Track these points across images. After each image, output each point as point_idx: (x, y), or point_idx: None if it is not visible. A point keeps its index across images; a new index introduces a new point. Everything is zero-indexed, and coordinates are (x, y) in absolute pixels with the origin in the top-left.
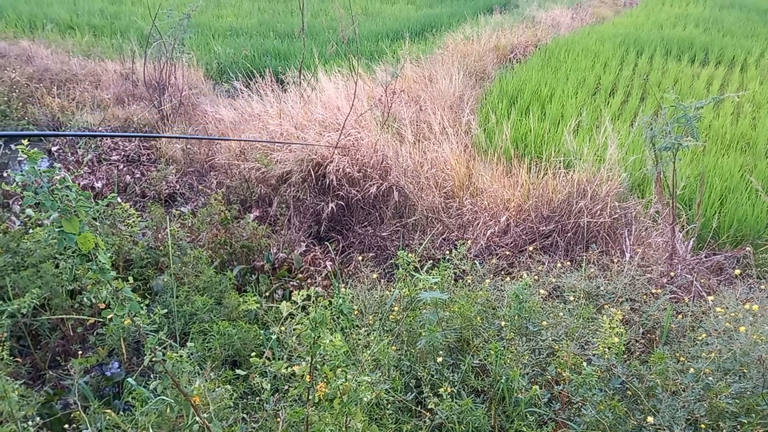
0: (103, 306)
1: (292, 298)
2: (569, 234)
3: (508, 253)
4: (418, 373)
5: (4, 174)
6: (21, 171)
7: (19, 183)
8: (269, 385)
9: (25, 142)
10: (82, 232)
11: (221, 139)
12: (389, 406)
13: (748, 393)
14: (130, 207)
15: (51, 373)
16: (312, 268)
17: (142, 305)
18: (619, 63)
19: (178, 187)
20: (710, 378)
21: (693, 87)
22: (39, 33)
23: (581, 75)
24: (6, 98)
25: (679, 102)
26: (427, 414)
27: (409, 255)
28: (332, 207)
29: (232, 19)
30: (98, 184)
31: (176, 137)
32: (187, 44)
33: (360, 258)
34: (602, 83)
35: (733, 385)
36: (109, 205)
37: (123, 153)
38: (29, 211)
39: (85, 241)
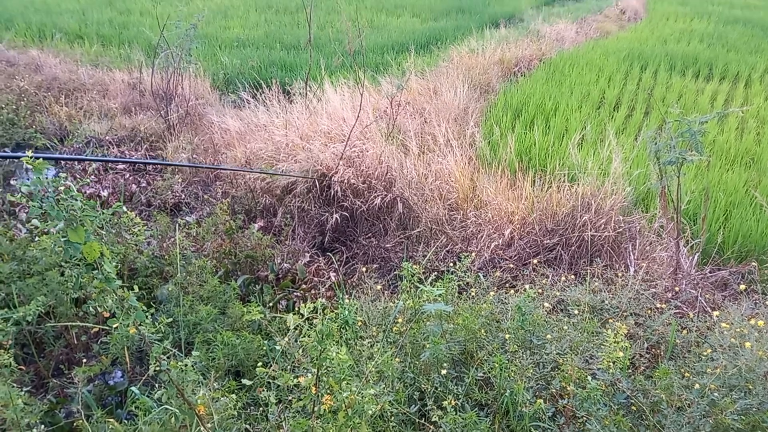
0: (107, 314)
1: (299, 310)
2: (573, 247)
3: (512, 266)
4: (422, 386)
5: (11, 182)
6: (27, 179)
7: (25, 193)
8: (274, 397)
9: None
10: (88, 241)
11: (216, 168)
12: (393, 418)
13: (754, 409)
14: (136, 216)
15: (54, 381)
16: (316, 278)
17: (147, 314)
18: (624, 77)
19: (183, 196)
20: (715, 394)
21: (697, 102)
22: (48, 42)
23: (585, 89)
24: (14, 107)
25: (684, 117)
26: (431, 427)
27: (413, 267)
28: (336, 218)
29: (238, 31)
30: (104, 193)
31: (174, 165)
32: (194, 55)
33: (364, 269)
34: (606, 97)
35: (738, 401)
36: (114, 214)
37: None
38: (35, 221)
39: (91, 250)
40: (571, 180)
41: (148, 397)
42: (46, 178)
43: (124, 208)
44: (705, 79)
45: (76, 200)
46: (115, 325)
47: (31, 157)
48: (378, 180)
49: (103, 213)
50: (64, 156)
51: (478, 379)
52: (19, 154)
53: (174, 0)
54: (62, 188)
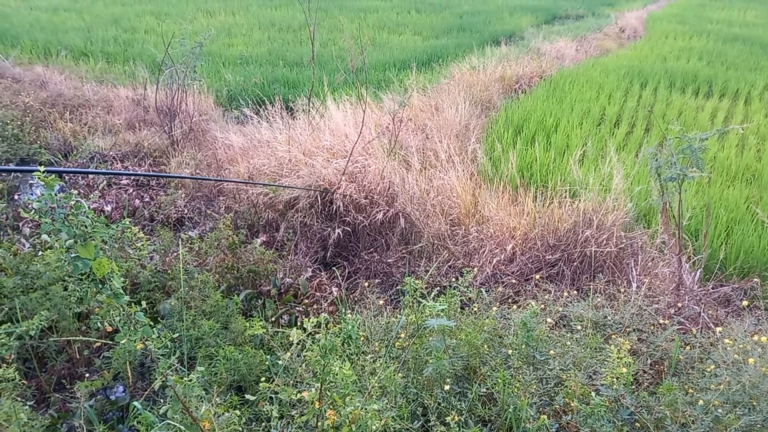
0: (111, 329)
1: (303, 325)
2: (575, 263)
3: (514, 281)
4: (425, 401)
5: (15, 197)
6: (32, 194)
7: (36, 209)
8: (277, 411)
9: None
10: (97, 257)
11: (219, 180)
12: None
13: (758, 426)
14: (139, 231)
15: (56, 395)
16: (318, 293)
17: (153, 329)
18: (624, 94)
19: (186, 211)
20: (719, 410)
21: (697, 119)
22: (53, 59)
23: (586, 106)
24: (19, 122)
25: (684, 133)
26: None
27: (416, 281)
28: (339, 233)
29: (242, 48)
30: (107, 208)
31: (179, 177)
32: (199, 72)
33: (366, 284)
34: (607, 114)
35: (742, 417)
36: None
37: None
38: (45, 236)
39: (100, 265)
40: (573, 196)
41: (150, 412)
42: (56, 194)
43: (128, 223)
44: (705, 96)
45: (87, 216)
46: (122, 341)
47: (42, 172)
48: (380, 195)
49: (110, 228)
50: (73, 170)
51: (481, 395)
52: (31, 168)
53: (178, 18)
54: (72, 204)
